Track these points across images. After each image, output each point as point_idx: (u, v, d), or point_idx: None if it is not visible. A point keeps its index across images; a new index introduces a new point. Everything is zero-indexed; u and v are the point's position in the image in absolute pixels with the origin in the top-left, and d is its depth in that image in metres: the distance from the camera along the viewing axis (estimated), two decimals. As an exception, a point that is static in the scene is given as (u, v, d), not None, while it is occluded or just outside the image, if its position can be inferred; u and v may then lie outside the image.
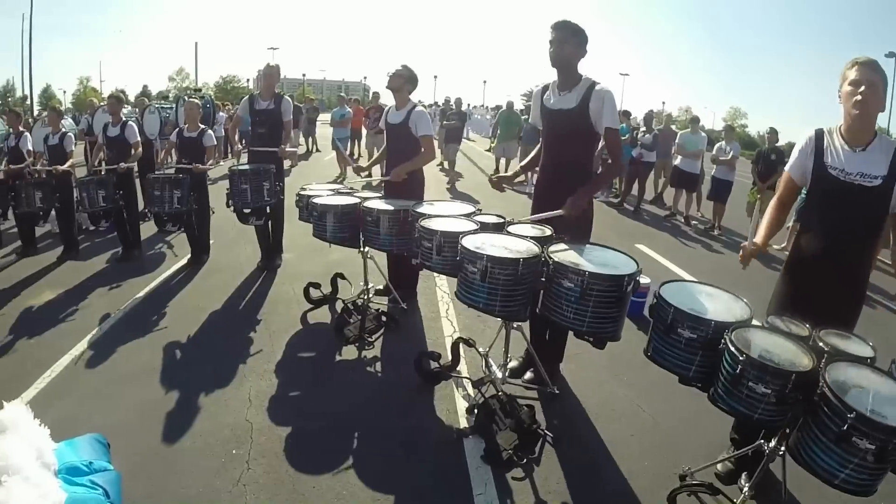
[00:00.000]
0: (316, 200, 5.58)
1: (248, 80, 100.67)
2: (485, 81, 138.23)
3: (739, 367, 2.70)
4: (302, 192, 6.21)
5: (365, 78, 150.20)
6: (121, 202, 8.59)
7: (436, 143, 8.09)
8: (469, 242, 3.86)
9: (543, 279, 3.71)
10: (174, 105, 14.35)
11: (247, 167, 7.20)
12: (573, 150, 4.58)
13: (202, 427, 4.51)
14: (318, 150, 24.63)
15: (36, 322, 6.73)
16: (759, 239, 3.55)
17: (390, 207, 5.15)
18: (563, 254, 3.79)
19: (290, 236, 8.68)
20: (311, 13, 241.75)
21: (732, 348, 2.76)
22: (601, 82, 4.42)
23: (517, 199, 13.15)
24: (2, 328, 6.52)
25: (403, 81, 6.15)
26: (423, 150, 6.18)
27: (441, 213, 4.78)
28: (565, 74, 4.51)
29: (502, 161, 18.28)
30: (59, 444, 3.47)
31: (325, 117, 27.34)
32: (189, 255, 8.74)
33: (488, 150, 27.65)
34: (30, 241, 9.83)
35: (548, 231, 4.31)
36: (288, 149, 7.69)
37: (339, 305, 6.47)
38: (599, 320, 3.52)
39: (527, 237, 4.12)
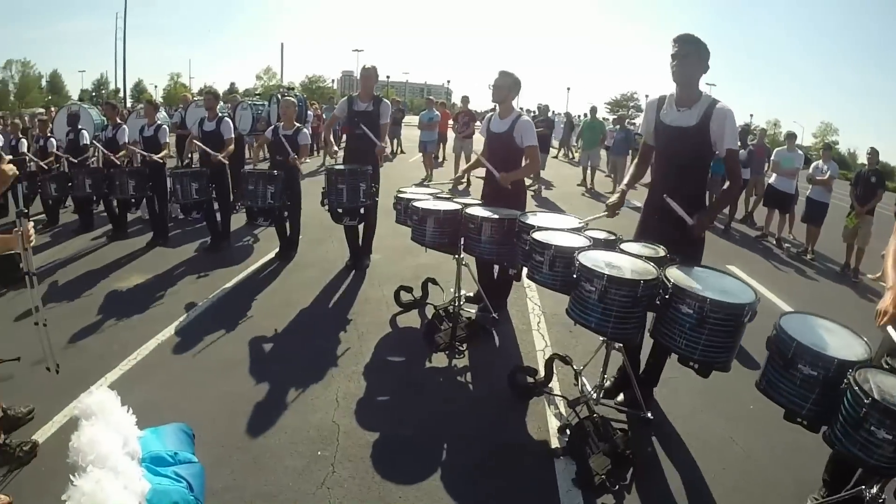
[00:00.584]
0: (417, 204, 5.48)
1: (332, 81, 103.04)
2: (568, 88, 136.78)
3: (863, 409, 2.52)
4: (401, 195, 6.11)
5: (448, 82, 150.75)
6: (213, 195, 8.70)
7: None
8: (586, 260, 3.72)
9: (658, 302, 3.54)
10: (267, 102, 14.47)
11: (344, 167, 7.15)
12: (688, 169, 4.37)
13: (287, 425, 4.46)
14: (402, 152, 24.62)
15: (123, 305, 6.85)
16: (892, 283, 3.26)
17: (495, 216, 5.03)
18: (680, 277, 3.61)
19: (378, 237, 8.61)
20: (395, 16, 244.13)
21: (857, 389, 2.59)
22: (721, 100, 4.22)
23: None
24: (90, 309, 6.67)
25: (507, 91, 5.97)
26: (528, 160, 5.99)
27: (549, 226, 4.61)
28: (686, 90, 4.29)
29: (588, 171, 17.75)
30: (145, 431, 3.44)
31: (408, 119, 27.44)
32: (277, 250, 8.81)
33: (556, 158, 27.41)
34: (121, 226, 10.23)
35: (661, 251, 4.12)
36: (384, 146, 7.62)
37: (429, 311, 6.37)
38: (713, 349, 3.35)
39: (641, 257, 3.95)
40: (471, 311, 6.38)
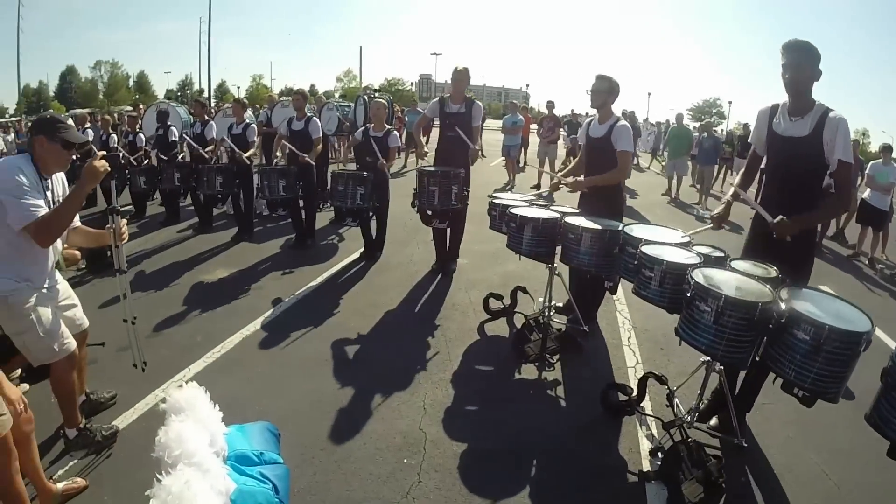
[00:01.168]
0: (514, 211, 5.33)
1: (411, 84, 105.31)
2: (649, 93, 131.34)
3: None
4: (496, 201, 5.97)
5: (527, 86, 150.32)
6: (300, 193, 8.82)
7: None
8: (701, 278, 3.54)
9: (772, 326, 3.33)
10: (353, 104, 14.48)
11: (437, 169, 7.10)
12: (802, 180, 4.16)
13: (373, 429, 4.40)
14: (483, 156, 24.41)
15: (208, 297, 6.96)
16: None
17: (596, 226, 4.85)
18: (794, 300, 3.40)
19: (465, 241, 8.41)
20: (473, 20, 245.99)
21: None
22: (834, 108, 3.99)
23: (693, 223, 12.56)
24: (175, 299, 6.79)
25: (605, 96, 5.79)
26: (618, 165, 5.75)
27: (654, 239, 4.41)
28: (798, 99, 4.09)
29: (673, 181, 17.13)
30: (230, 428, 3.42)
31: (488, 123, 27.32)
32: (362, 250, 8.80)
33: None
34: (207, 219, 10.53)
35: (773, 271, 3.91)
36: (476, 148, 7.47)
37: (518, 320, 6.19)
38: (825, 378, 3.12)
39: (753, 276, 3.75)
40: (560, 322, 6.13)
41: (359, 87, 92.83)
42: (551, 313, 5.66)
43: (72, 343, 3.90)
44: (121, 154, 11.69)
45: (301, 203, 9.30)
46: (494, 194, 6.28)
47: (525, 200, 6.02)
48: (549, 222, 5.15)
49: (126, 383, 4.78)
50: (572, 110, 28.79)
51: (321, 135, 9.19)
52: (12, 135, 22.34)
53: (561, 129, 18.37)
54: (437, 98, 7.81)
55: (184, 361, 5.30)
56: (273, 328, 6.09)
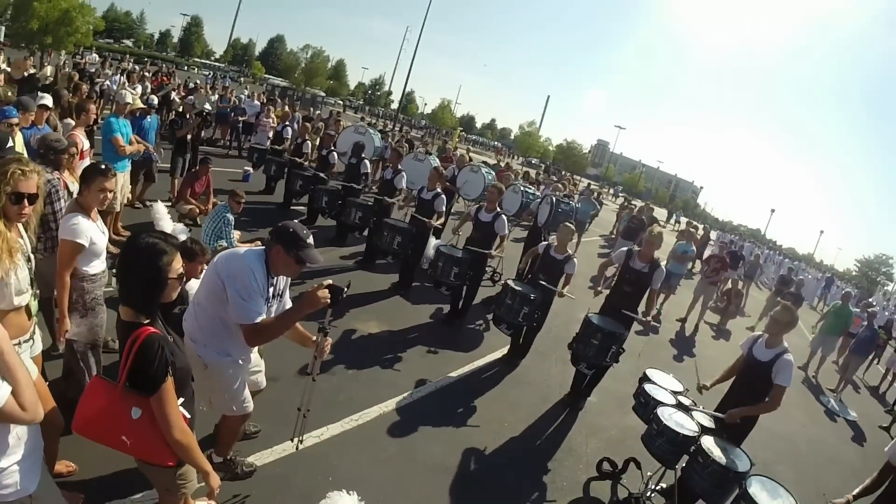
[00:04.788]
0: (662, 415, 5.52)
1: (588, 151, 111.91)
2: (822, 231, 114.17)
3: None
4: (648, 387, 6.17)
5: (701, 188, 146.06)
6: (468, 282, 9.36)
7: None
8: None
9: None
10: (541, 199, 13.60)
11: (606, 328, 7.18)
12: None
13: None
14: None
15: (358, 353, 7.58)
16: None
17: (723, 462, 4.99)
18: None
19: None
20: (658, 99, 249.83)
21: None
22: None
23: (822, 418, 12.35)
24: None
25: (783, 327, 5.94)
26: (770, 399, 5.78)
27: None
28: None
29: (816, 356, 15.07)
30: None
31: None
32: (506, 352, 8.98)
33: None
34: (371, 258, 11.34)
35: None
36: (649, 319, 7.57)
37: (621, 491, 6.27)
38: None
39: None
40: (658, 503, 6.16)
41: (538, 139, 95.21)
42: (652, 495, 5.96)
43: (250, 406, 4.49)
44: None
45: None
46: (650, 374, 6.46)
47: (675, 392, 6.18)
48: (688, 439, 5.32)
49: (269, 421, 5.34)
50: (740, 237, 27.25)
51: (506, 233, 9.49)
52: (216, 96, 24.76)
53: (728, 273, 17.01)
54: (627, 249, 7.98)
55: (322, 419, 5.73)
56: (408, 413, 6.48)
